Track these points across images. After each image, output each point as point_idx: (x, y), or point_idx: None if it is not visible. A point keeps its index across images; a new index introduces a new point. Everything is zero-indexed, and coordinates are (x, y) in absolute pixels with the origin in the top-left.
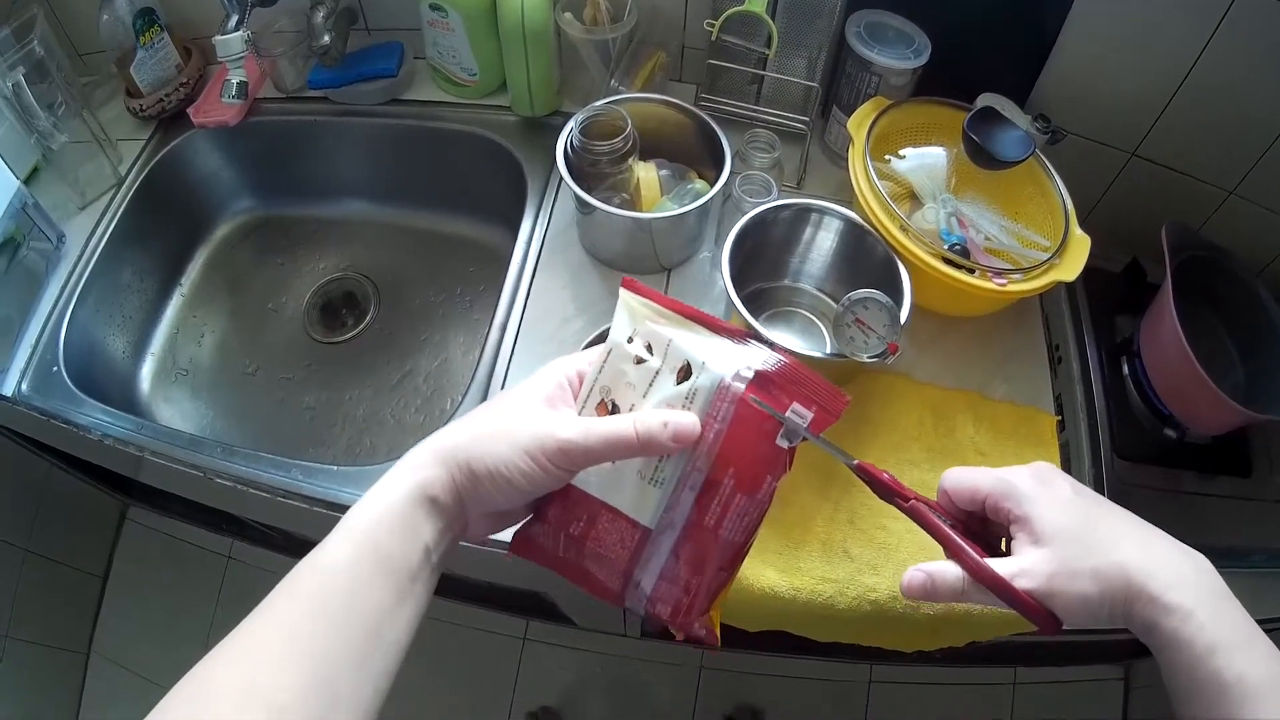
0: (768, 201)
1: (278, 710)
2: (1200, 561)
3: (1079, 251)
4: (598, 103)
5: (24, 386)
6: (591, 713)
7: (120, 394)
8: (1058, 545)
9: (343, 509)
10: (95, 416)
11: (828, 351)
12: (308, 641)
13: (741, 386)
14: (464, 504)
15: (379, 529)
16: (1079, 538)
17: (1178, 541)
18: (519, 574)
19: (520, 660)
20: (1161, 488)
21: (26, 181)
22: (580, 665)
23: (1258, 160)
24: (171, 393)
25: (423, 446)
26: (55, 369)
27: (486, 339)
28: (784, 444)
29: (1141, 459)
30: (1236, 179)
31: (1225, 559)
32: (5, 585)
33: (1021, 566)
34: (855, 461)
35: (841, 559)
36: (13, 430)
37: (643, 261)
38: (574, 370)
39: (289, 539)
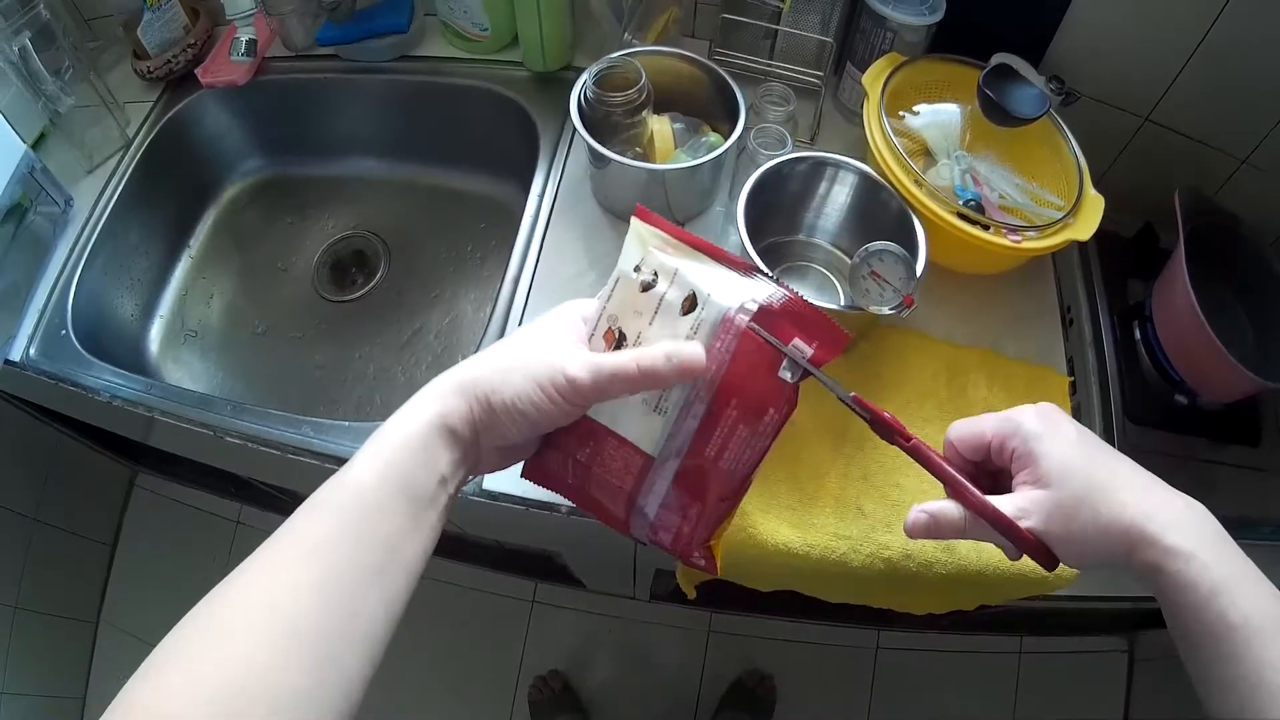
0: (782, 154)
1: (298, 620)
2: (1199, 507)
3: (1093, 211)
4: (612, 55)
5: (32, 351)
6: (600, 676)
7: (129, 357)
8: (1059, 485)
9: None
10: (104, 379)
11: (842, 304)
12: (330, 554)
13: (745, 319)
14: (479, 436)
15: (402, 452)
16: (1081, 479)
17: (1176, 490)
18: (529, 533)
19: (529, 623)
20: (1172, 453)
21: (34, 146)
22: (589, 628)
23: (1271, 129)
24: (181, 354)
25: (446, 376)
26: (64, 332)
27: (499, 294)
28: (786, 376)
29: (1152, 424)
30: (1250, 147)
31: (1235, 530)
32: (14, 556)
33: (1021, 505)
34: (851, 394)
35: (855, 516)
36: (21, 399)
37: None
38: (589, 310)
39: (298, 501)
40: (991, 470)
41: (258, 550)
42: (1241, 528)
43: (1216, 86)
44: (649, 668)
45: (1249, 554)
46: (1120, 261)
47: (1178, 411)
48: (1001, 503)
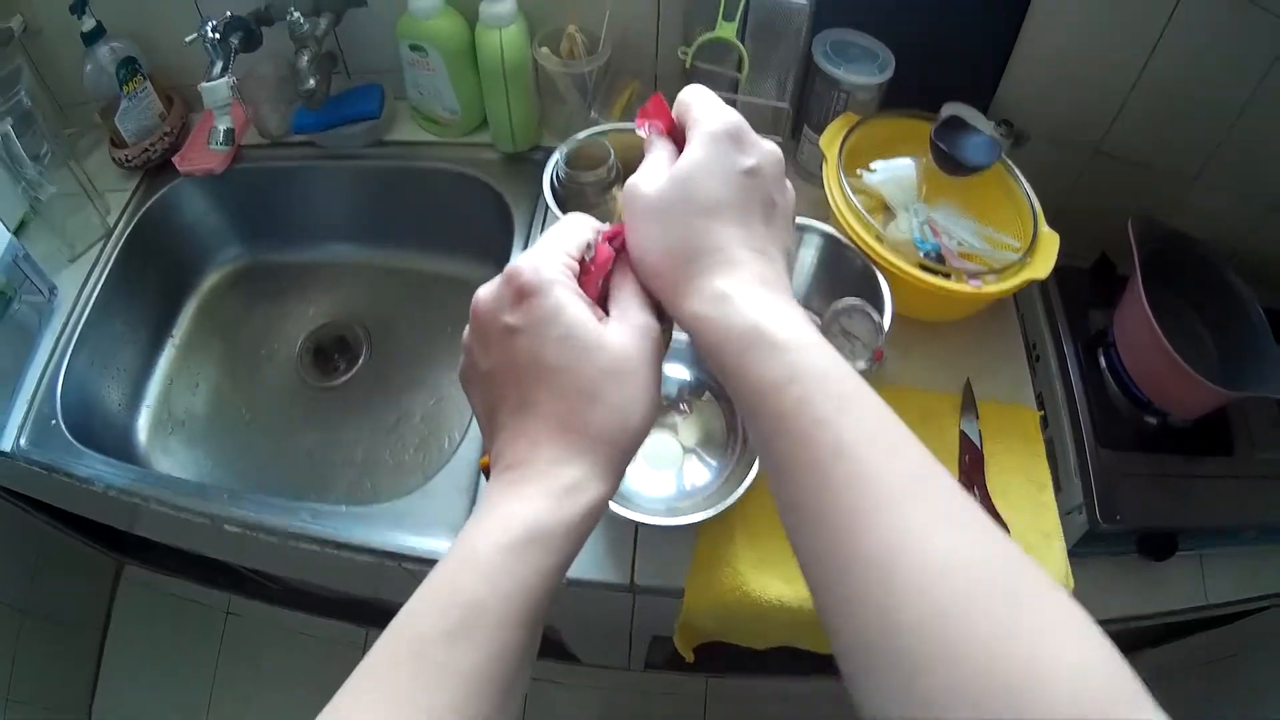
0: None
1: None
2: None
3: (1049, 249)
4: (580, 134)
5: (23, 441)
6: None
7: (118, 446)
8: (664, 205)
9: (353, 549)
10: (97, 468)
11: None
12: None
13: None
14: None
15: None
16: (685, 213)
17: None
18: None
19: (525, 703)
20: (1148, 473)
21: (15, 233)
22: (585, 703)
23: (1216, 148)
24: (169, 444)
25: (588, 454)
26: (54, 422)
27: None
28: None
29: (1125, 447)
30: (1197, 167)
31: (1219, 539)
32: (4, 648)
33: (642, 175)
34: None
35: None
36: (8, 490)
37: None
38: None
39: (287, 590)
40: None
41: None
42: (1224, 535)
43: (1160, 113)
44: None
45: (1235, 559)
46: (1080, 293)
47: (1149, 432)
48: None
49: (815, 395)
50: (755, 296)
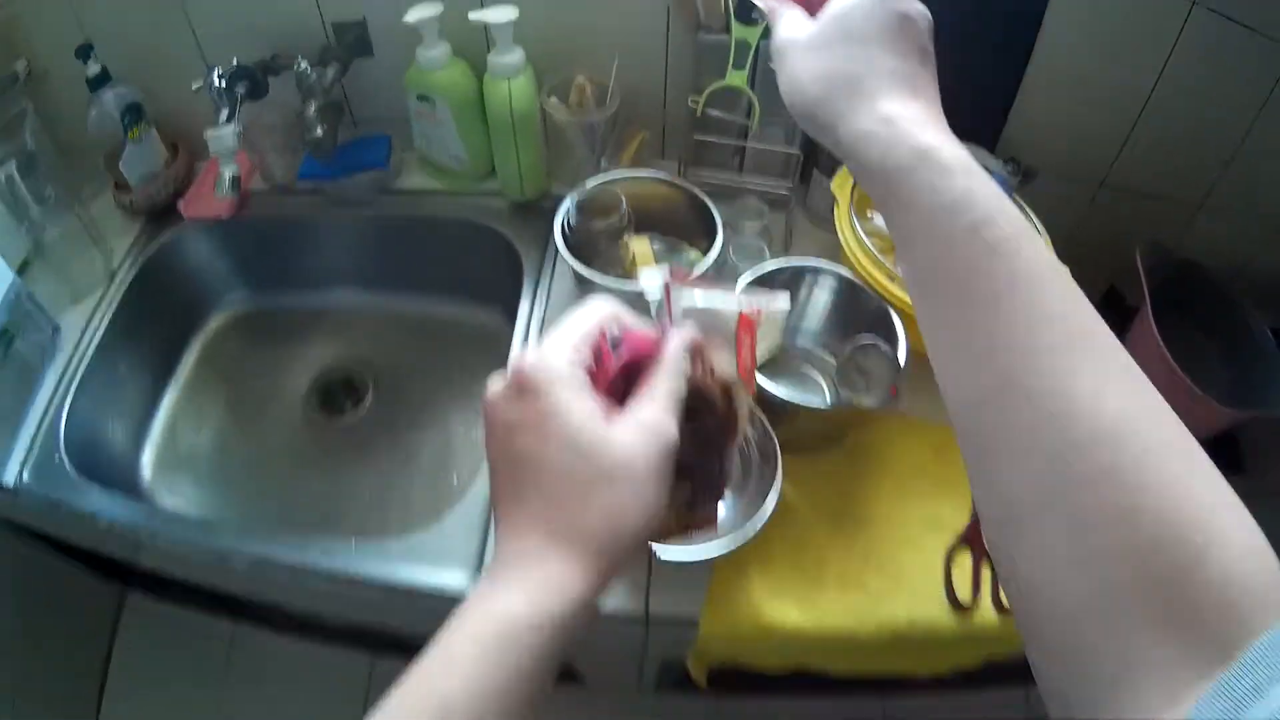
0: (765, 266)
1: None
2: None
3: None
4: (590, 183)
5: (25, 476)
6: None
7: (123, 483)
8: (823, 39)
9: (364, 584)
10: (101, 504)
11: (829, 402)
12: None
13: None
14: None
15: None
16: (845, 42)
17: None
18: None
19: None
20: None
21: (19, 272)
22: None
23: (1220, 174)
24: (175, 481)
25: (573, 551)
26: (57, 458)
27: None
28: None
29: None
30: (1202, 194)
31: None
32: (7, 677)
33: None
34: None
35: (858, 592)
36: (9, 521)
37: None
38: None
39: (290, 619)
40: None
41: None
42: None
43: (1164, 143)
44: None
45: None
46: None
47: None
48: None
49: (991, 222)
50: (923, 121)
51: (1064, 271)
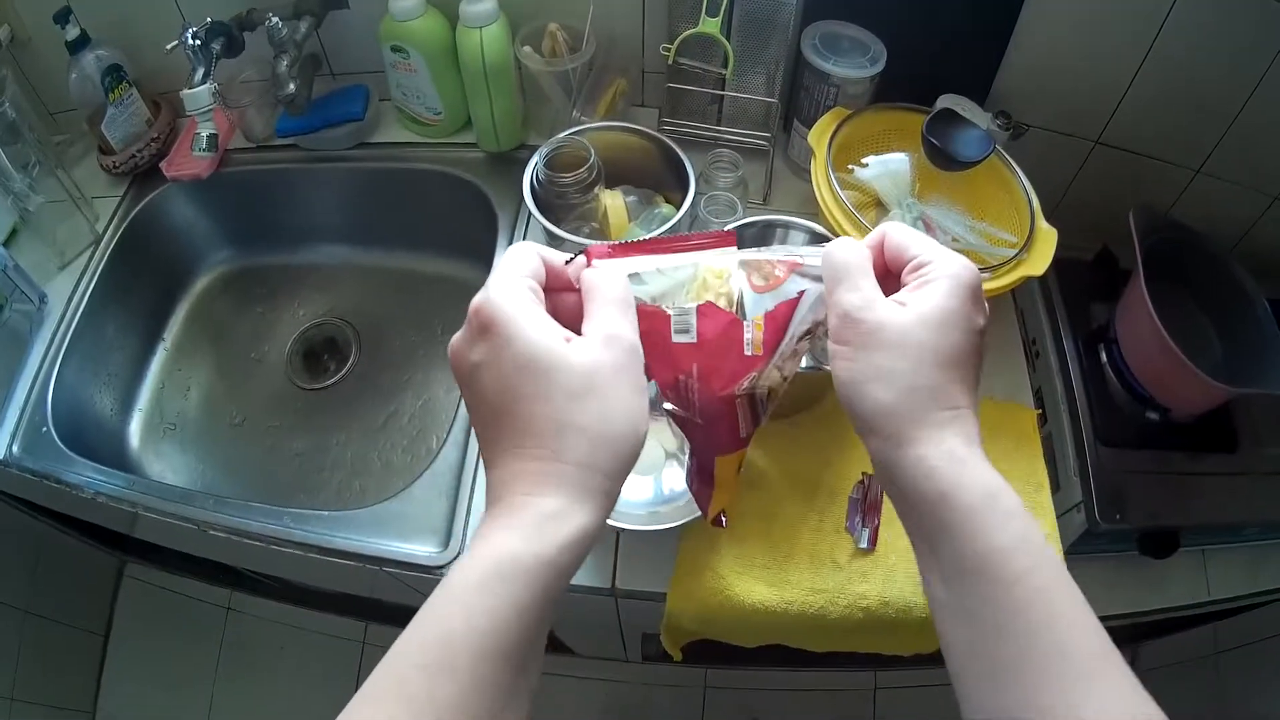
0: (732, 221)
1: None
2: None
3: (1046, 245)
4: (560, 135)
5: (14, 448)
6: None
7: (110, 452)
8: (912, 343)
9: (335, 554)
10: (87, 475)
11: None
12: None
13: None
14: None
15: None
16: (934, 360)
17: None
18: None
19: None
20: (1150, 470)
21: (5, 244)
22: (585, 693)
23: (1221, 138)
24: (161, 447)
25: (565, 482)
26: (45, 429)
27: None
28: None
29: (1126, 444)
30: (1201, 158)
31: (1221, 536)
32: (6, 647)
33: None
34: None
35: (830, 569)
36: (6, 493)
37: None
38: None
39: (287, 587)
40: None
41: None
42: (1227, 531)
43: (1163, 102)
44: None
45: (1236, 554)
46: (1081, 286)
47: (1151, 429)
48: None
49: (1039, 569)
50: (982, 459)
51: (1087, 609)
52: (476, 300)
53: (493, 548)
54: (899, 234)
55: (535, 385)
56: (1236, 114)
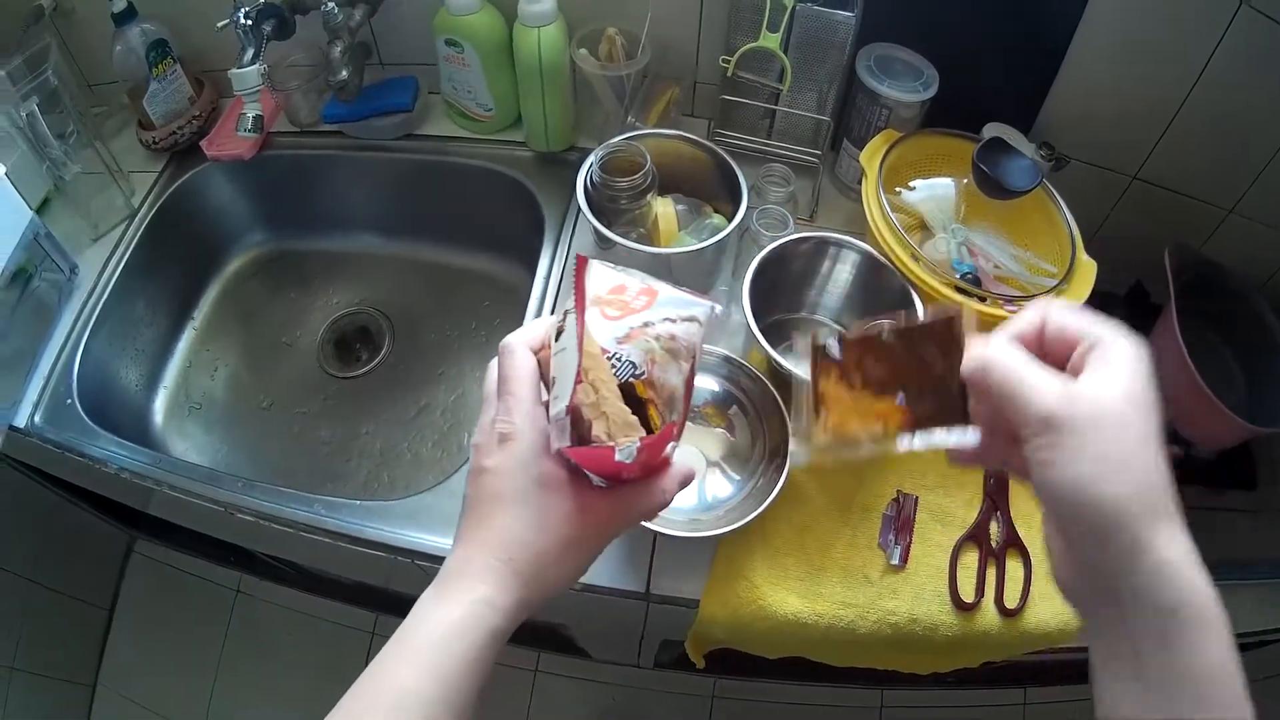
0: (786, 235)
1: None
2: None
3: (1086, 277)
4: (616, 139)
5: (37, 418)
6: None
7: (134, 428)
8: (1134, 431)
9: (366, 544)
10: (111, 450)
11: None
12: None
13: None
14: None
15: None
16: (1156, 443)
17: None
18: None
19: (532, 693)
20: None
21: (38, 211)
22: (593, 697)
23: (1256, 177)
24: (185, 426)
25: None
26: (69, 401)
27: None
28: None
29: None
30: (1235, 197)
31: (1232, 571)
32: (11, 616)
33: (1061, 394)
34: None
35: (862, 584)
36: (21, 462)
37: None
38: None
39: (299, 572)
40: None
41: None
42: (1242, 568)
43: (1200, 141)
44: None
45: (1248, 591)
46: (1113, 319)
47: (1173, 462)
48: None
49: (1237, 675)
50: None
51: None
52: (504, 423)
53: (442, 614)
54: (1062, 315)
55: (519, 512)
56: (1273, 155)
